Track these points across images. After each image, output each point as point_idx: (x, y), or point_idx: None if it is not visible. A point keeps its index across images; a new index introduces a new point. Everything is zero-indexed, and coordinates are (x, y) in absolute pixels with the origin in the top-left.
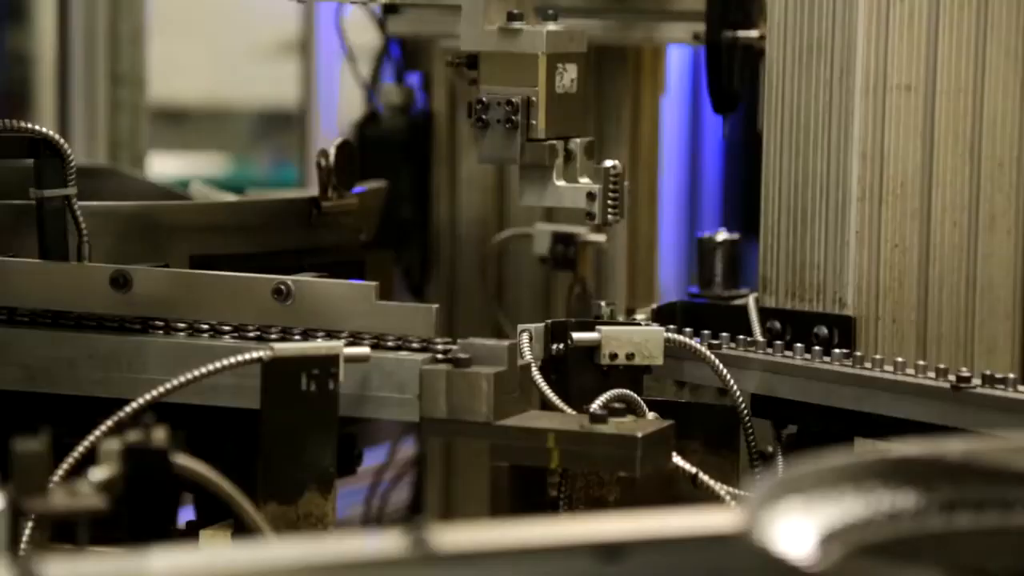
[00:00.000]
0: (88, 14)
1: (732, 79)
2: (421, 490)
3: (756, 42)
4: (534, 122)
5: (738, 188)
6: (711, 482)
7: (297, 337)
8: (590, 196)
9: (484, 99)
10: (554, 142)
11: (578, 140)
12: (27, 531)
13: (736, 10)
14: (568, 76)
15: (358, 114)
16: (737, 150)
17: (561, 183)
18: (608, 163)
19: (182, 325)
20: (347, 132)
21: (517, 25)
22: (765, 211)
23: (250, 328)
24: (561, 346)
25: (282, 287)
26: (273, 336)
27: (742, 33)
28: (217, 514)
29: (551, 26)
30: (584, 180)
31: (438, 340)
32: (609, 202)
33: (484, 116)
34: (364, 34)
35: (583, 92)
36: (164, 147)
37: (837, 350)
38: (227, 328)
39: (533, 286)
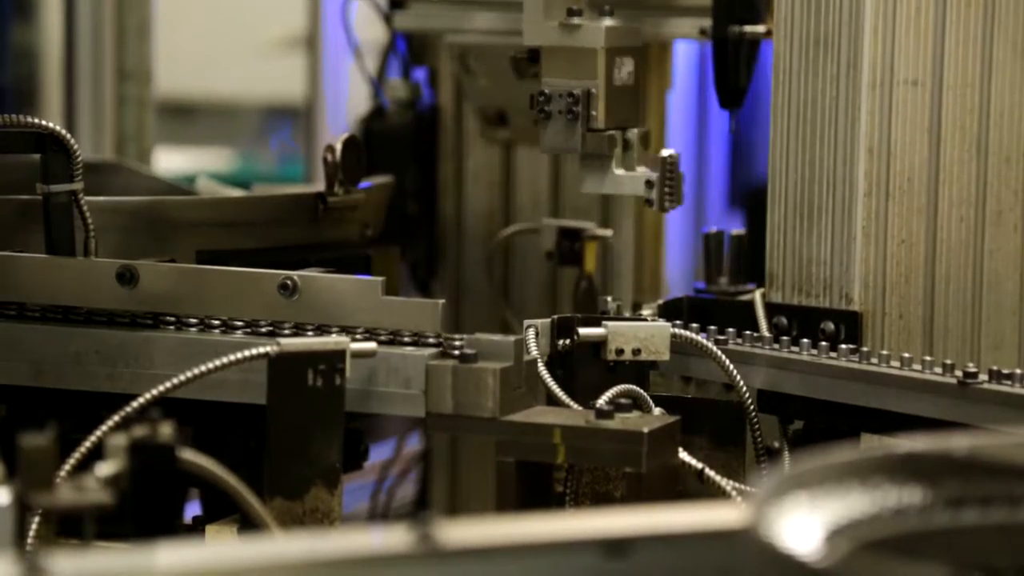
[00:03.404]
0: (94, 9)
1: (739, 74)
2: (427, 486)
3: (763, 37)
4: (594, 113)
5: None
6: (717, 478)
7: (308, 333)
8: (648, 184)
9: (546, 91)
10: (613, 132)
11: (635, 130)
12: (34, 526)
13: (743, 5)
14: (625, 69)
15: (364, 109)
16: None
17: (620, 172)
18: (665, 152)
19: (189, 320)
20: (353, 127)
21: (577, 21)
22: (771, 206)
23: (256, 323)
24: (567, 341)
25: (288, 282)
26: (280, 331)
27: (749, 28)
28: (223, 510)
29: (608, 21)
30: (641, 169)
31: (444, 335)
32: (666, 189)
33: (547, 108)
34: (370, 29)
35: (639, 84)
36: (170, 142)
37: (843, 346)
38: (233, 323)
39: (539, 281)
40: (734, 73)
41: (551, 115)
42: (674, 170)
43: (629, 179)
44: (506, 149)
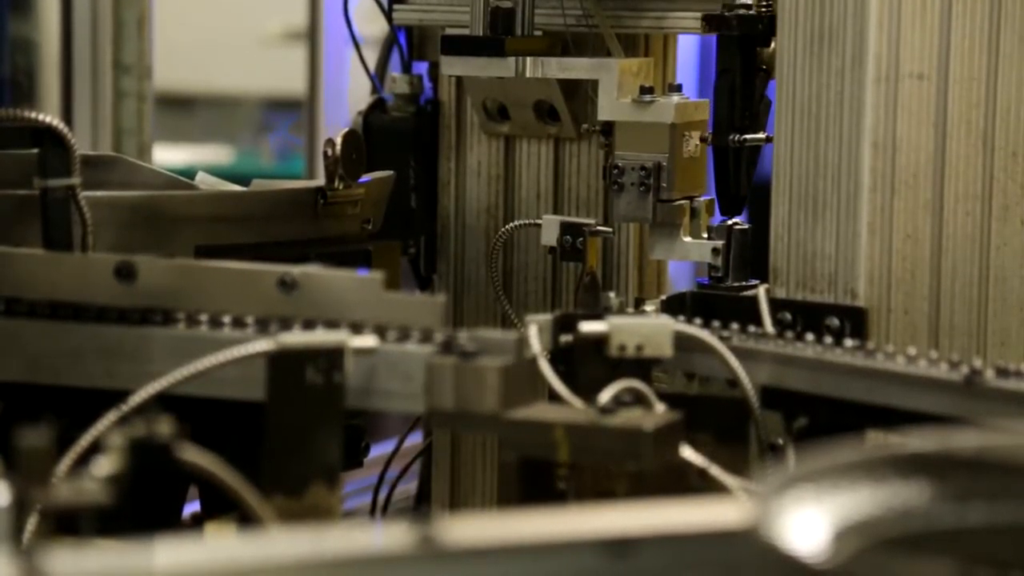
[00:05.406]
0: (92, 2)
1: (739, 183)
2: (428, 483)
3: (763, 143)
4: (664, 185)
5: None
6: (721, 475)
7: (320, 330)
8: (715, 251)
9: (620, 164)
10: (682, 202)
11: (701, 199)
12: (31, 524)
13: (743, 114)
14: (693, 142)
15: (365, 104)
16: None
17: (688, 239)
18: (730, 221)
19: (188, 316)
20: (353, 122)
21: (648, 98)
22: (775, 201)
23: (256, 319)
24: (569, 338)
25: (288, 278)
26: (279, 327)
27: (749, 136)
28: (222, 507)
29: (676, 98)
30: (706, 237)
31: (445, 331)
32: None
33: (620, 180)
34: (371, 23)
35: (704, 155)
36: (168, 137)
37: (848, 342)
38: (232, 319)
39: (541, 277)
40: (735, 181)
41: (624, 187)
42: (742, 240)
43: (696, 246)
44: (507, 143)
